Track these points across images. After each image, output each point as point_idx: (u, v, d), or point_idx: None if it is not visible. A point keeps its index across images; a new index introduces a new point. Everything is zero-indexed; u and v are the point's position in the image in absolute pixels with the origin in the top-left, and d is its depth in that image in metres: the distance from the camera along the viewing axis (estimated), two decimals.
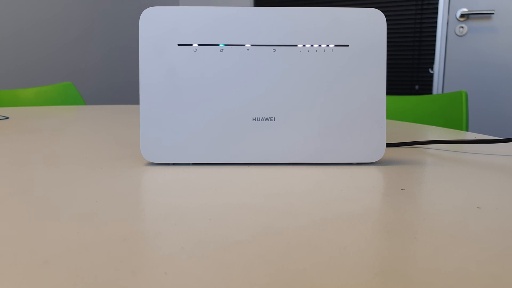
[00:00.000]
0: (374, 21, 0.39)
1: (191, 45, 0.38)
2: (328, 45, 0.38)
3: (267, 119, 0.38)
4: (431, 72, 1.98)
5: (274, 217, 0.26)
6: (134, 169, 0.38)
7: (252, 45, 0.38)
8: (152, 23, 0.38)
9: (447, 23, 1.89)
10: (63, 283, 0.18)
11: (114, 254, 0.21)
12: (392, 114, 1.11)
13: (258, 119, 0.38)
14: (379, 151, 0.39)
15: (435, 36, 1.94)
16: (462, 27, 1.85)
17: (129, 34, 2.26)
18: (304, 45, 0.38)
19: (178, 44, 0.38)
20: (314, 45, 0.38)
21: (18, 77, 1.71)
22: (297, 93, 0.38)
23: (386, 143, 0.43)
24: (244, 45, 0.38)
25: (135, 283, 0.18)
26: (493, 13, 1.79)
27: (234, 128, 0.38)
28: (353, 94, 0.38)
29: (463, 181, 0.34)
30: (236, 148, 0.38)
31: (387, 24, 1.97)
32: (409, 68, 2.05)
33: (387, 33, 1.96)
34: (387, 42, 2.03)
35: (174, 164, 0.39)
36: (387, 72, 2.03)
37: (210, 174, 0.36)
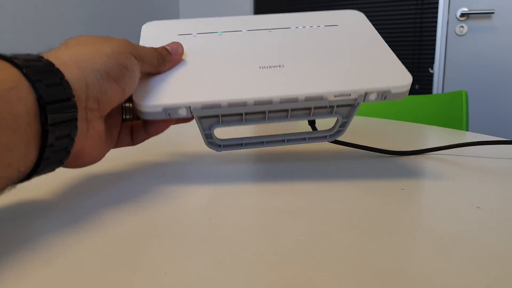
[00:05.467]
0: (357, 18, 0.42)
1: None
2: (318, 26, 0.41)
3: (275, 66, 0.36)
4: (431, 71, 1.98)
5: (274, 217, 0.26)
6: (134, 168, 0.38)
7: (248, 30, 0.40)
8: (152, 36, 0.38)
9: (447, 23, 1.89)
10: (63, 283, 0.18)
11: (114, 254, 0.21)
12: (392, 114, 1.11)
13: (266, 67, 0.36)
14: (405, 76, 0.35)
15: (435, 35, 1.94)
16: (462, 26, 1.85)
17: (129, 35, 2.26)
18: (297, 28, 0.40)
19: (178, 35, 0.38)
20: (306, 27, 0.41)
21: None
22: (304, 44, 0.38)
23: (395, 151, 0.42)
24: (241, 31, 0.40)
25: (135, 283, 0.18)
26: (493, 13, 1.79)
27: (241, 72, 0.35)
28: (356, 44, 0.39)
29: (463, 181, 0.34)
30: (245, 85, 0.34)
31: (387, 24, 1.97)
32: (409, 67, 2.05)
33: (387, 33, 1.96)
34: (387, 42, 2.03)
35: (176, 119, 0.34)
36: None
37: (210, 173, 0.36)
